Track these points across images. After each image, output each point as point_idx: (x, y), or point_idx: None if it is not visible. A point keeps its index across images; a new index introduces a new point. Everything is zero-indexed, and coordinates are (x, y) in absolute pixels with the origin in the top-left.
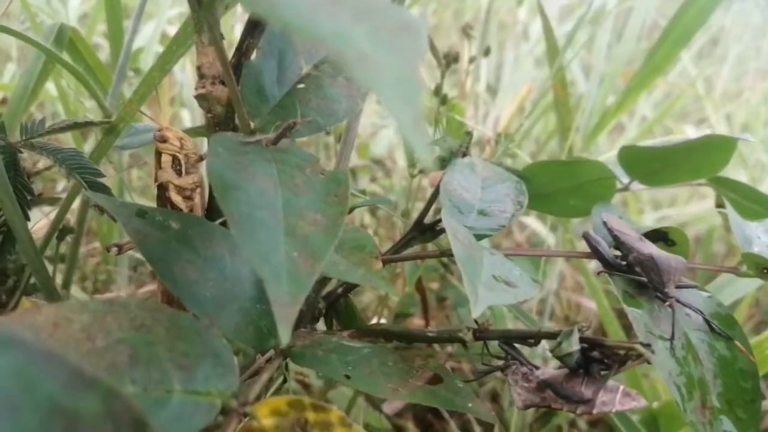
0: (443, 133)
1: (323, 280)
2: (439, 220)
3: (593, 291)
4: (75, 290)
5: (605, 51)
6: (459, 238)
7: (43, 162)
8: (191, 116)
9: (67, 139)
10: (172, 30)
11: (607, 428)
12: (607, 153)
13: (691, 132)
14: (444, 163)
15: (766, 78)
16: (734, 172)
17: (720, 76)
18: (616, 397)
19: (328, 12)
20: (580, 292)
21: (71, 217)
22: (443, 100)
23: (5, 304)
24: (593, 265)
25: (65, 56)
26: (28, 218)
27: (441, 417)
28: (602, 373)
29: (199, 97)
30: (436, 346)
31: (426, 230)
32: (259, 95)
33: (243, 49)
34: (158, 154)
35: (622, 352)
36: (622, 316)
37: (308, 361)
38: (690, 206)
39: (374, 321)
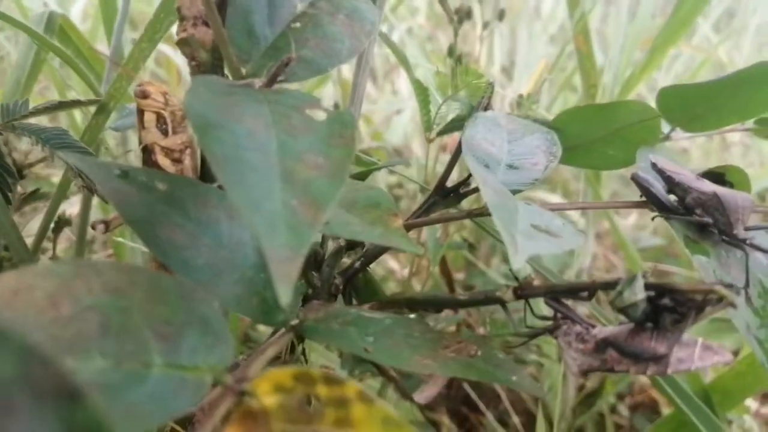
0: (458, 89)
1: (338, 253)
2: (461, 183)
3: (629, 257)
4: None
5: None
6: (489, 184)
7: (35, 154)
8: None
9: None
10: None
11: (650, 411)
12: None
13: None
14: (459, 124)
15: None
16: None
17: (738, 49)
18: (694, 351)
19: None
20: (612, 272)
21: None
22: (458, 59)
23: None
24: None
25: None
26: (9, 202)
27: (476, 409)
28: (676, 324)
29: (181, 42)
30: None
31: (449, 193)
32: (248, 37)
33: None
34: (140, 113)
35: (698, 297)
36: None
37: (323, 335)
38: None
39: None
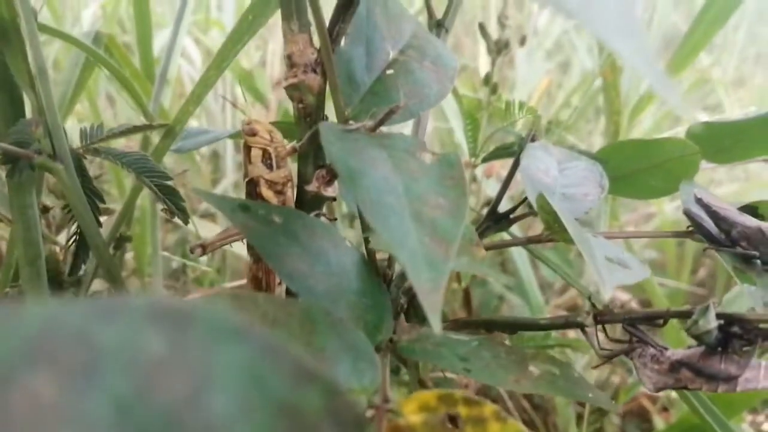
0: (492, 115)
1: (405, 274)
2: (513, 209)
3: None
4: None
5: None
6: (565, 217)
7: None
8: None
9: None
10: (188, 41)
11: (640, 419)
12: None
13: (703, 118)
14: (504, 152)
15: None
16: None
17: (721, 63)
18: (759, 373)
19: None
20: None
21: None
22: (494, 89)
23: None
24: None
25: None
26: (99, 224)
27: None
28: (743, 349)
29: (291, 87)
30: None
31: (501, 219)
32: (350, 83)
33: (333, 35)
34: (247, 149)
35: (764, 325)
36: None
37: (419, 354)
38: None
39: None
